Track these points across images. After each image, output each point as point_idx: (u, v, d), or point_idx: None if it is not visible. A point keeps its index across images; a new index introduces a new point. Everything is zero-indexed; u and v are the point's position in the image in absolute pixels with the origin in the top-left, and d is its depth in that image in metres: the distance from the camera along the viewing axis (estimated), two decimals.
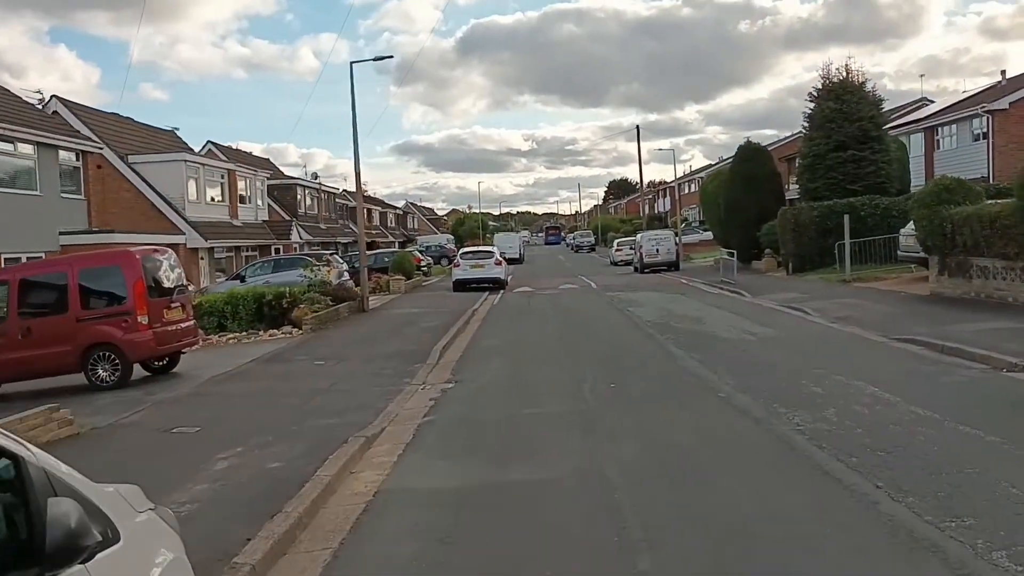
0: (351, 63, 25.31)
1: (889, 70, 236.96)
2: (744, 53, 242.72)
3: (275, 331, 20.02)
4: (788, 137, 65.42)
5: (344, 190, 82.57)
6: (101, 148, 28.11)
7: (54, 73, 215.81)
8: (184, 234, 31.93)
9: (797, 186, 37.18)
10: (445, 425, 9.55)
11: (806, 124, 35.50)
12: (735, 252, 30.73)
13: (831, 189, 33.27)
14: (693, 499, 6.32)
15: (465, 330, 19.71)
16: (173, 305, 14.22)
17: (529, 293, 31.22)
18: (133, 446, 9.13)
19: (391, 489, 7.14)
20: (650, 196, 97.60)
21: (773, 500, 6.19)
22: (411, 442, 8.78)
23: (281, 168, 61.42)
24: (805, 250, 31.30)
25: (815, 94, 35.01)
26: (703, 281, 31.99)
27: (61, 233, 24.24)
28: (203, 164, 36.03)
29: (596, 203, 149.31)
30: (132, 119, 39.53)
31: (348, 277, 28.36)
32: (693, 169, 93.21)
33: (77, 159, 26.21)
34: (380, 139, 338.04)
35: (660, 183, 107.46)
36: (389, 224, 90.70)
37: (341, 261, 30.15)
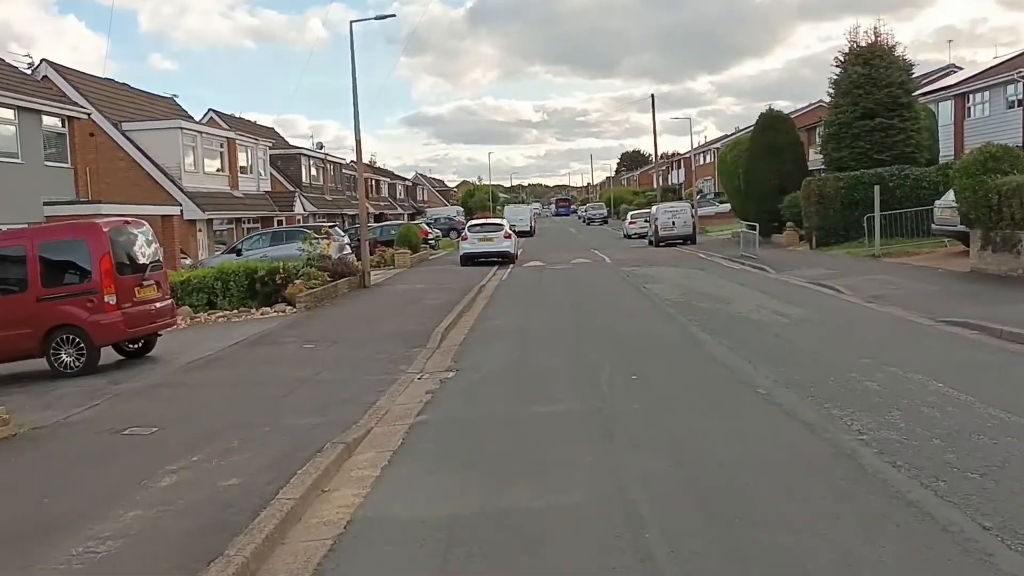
0: (351, 22, 23.80)
1: (905, 40, 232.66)
2: (757, 23, 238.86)
3: (267, 309, 18.70)
4: (805, 107, 63.61)
5: (352, 161, 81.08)
6: (89, 113, 26.71)
7: (63, 44, 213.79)
8: (180, 205, 30.63)
9: (820, 156, 35.53)
10: (440, 427, 8.20)
11: (831, 90, 33.78)
12: (756, 226, 29.15)
13: (857, 159, 31.73)
14: (743, 543, 4.93)
15: (471, 309, 18.36)
16: (146, 283, 12.82)
17: (540, 268, 29.82)
18: (73, 452, 7.80)
19: (368, 517, 5.79)
20: (664, 167, 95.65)
21: (852, 547, 4.79)
22: (399, 449, 7.44)
23: (291, 140, 59.92)
24: (830, 223, 29.82)
25: (841, 59, 33.25)
26: (722, 255, 30.54)
27: (45, 203, 22.92)
28: (201, 132, 34.64)
29: (608, 175, 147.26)
30: (128, 85, 38.14)
31: (350, 251, 27.01)
32: (708, 140, 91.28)
33: (63, 125, 24.82)
34: (389, 111, 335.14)
35: (673, 155, 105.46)
36: (398, 196, 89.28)
37: (342, 234, 28.75)
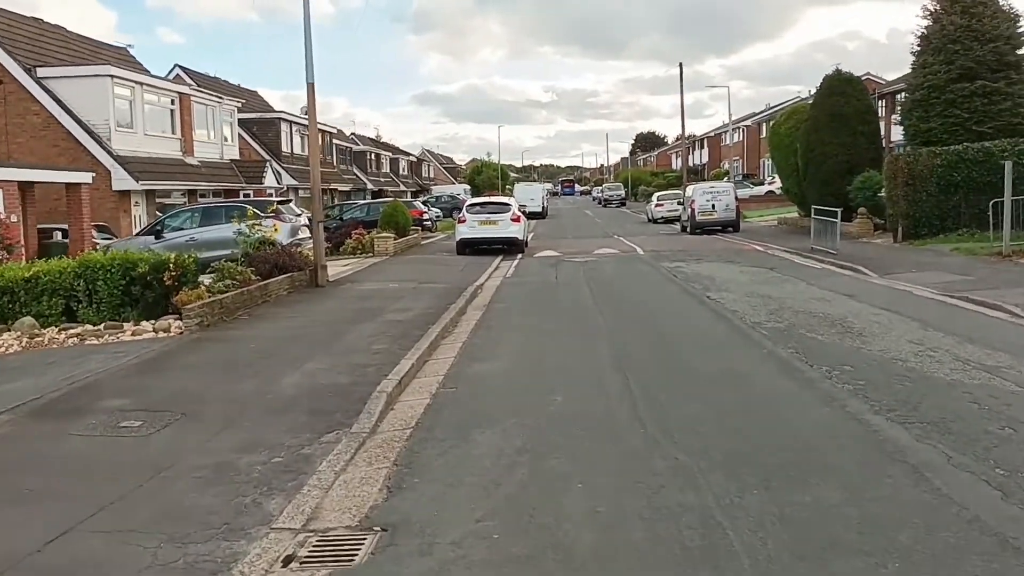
0: None
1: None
2: (767, 6, 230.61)
3: (147, 324, 12.36)
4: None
5: (353, 133, 74.40)
6: None
7: (69, 14, 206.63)
8: (103, 172, 24.34)
9: (901, 128, 28.99)
10: None
11: (917, 47, 27.23)
12: (838, 212, 22.64)
13: (951, 131, 25.40)
14: None
15: (454, 331, 12.05)
16: None
17: (555, 260, 23.38)
18: None
19: None
20: (686, 147, 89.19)
21: None
22: None
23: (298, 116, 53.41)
24: (921, 210, 23.51)
25: (932, 9, 26.70)
26: (783, 248, 24.15)
27: None
28: (141, 83, 28.11)
29: (622, 156, 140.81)
30: (64, 28, 31.70)
31: (308, 234, 20.66)
32: (734, 119, 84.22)
33: None
34: (398, 88, 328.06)
35: (690, 136, 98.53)
36: (401, 172, 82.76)
37: (298, 212, 22.31)
